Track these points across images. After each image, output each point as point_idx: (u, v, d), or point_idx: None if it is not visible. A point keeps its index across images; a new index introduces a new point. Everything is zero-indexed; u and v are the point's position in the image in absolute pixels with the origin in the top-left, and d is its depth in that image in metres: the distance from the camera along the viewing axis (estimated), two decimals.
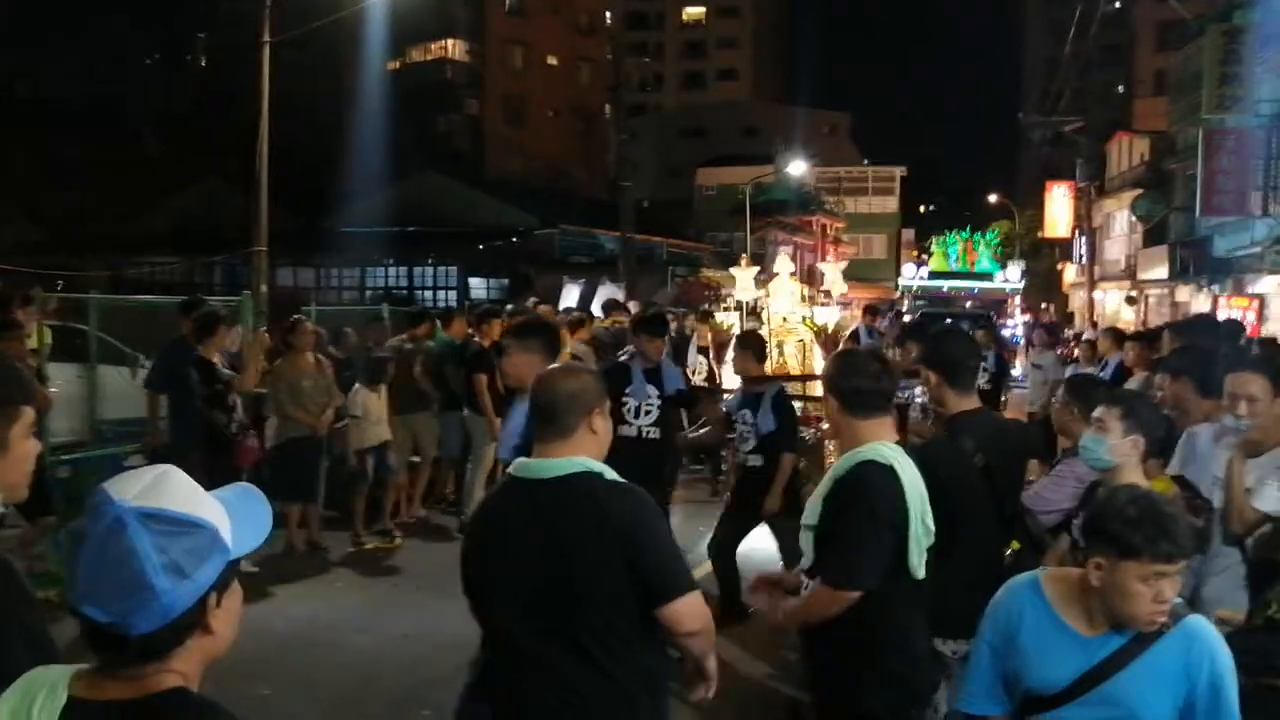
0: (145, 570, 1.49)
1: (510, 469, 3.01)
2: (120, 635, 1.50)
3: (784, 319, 11.37)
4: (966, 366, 4.37)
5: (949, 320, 21.73)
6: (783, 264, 10.84)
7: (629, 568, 2.77)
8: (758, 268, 11.14)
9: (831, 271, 11.41)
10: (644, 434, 7.07)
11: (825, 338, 11.14)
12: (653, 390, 7.07)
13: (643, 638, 2.85)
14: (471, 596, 3.02)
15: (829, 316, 11.84)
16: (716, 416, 8.15)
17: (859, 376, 3.57)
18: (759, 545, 7.28)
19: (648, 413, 7.06)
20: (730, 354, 11.26)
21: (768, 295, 10.74)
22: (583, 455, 2.90)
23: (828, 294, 12.01)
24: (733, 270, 11.18)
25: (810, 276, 52.63)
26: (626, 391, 6.97)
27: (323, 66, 40.37)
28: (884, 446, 3.50)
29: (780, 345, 10.86)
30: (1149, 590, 2.58)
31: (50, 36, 43.18)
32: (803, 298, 11.26)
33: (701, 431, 8.78)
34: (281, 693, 5.83)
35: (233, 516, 1.61)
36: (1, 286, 14.56)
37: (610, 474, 2.89)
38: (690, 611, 2.84)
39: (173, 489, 1.57)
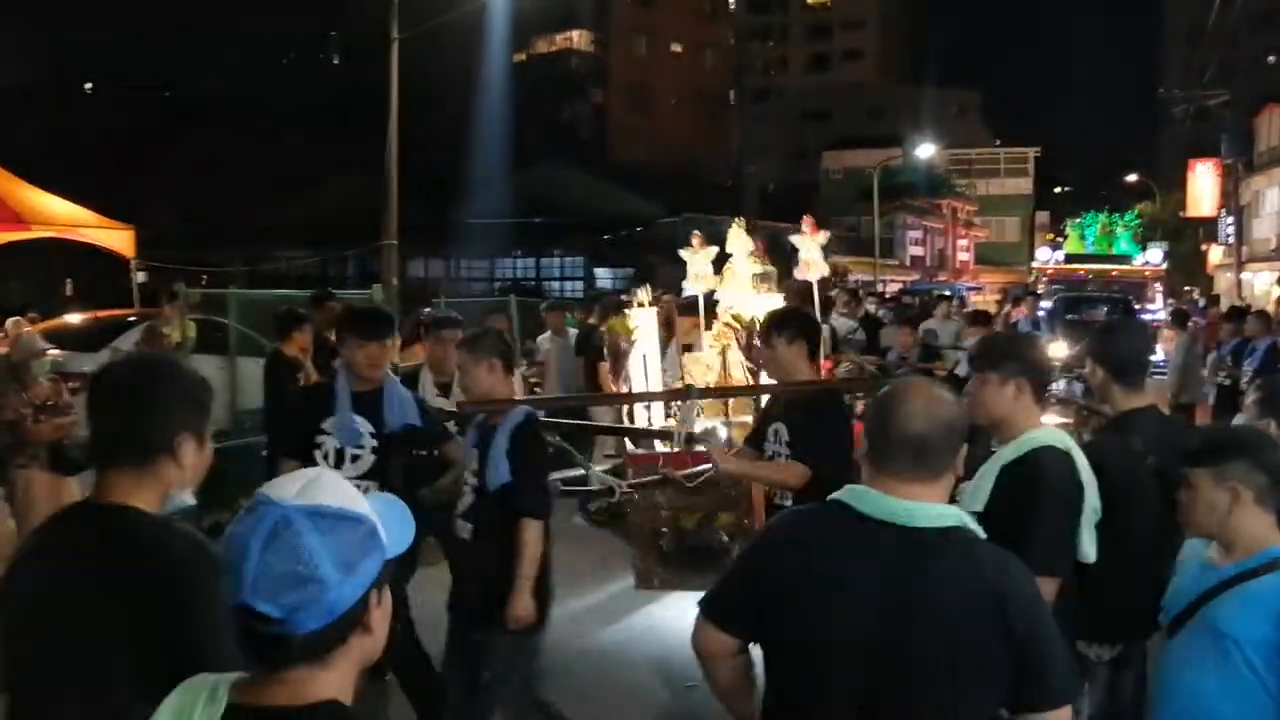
0: (316, 564, 1.51)
1: (847, 499, 2.37)
2: (284, 635, 1.52)
3: (732, 316, 8.12)
4: (1139, 363, 4.10)
5: (1082, 305, 21.10)
6: (737, 240, 8.13)
7: (1011, 656, 2.23)
8: (715, 248, 8.37)
9: (808, 248, 8.27)
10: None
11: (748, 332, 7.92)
12: (364, 425, 4.73)
13: None
14: (779, 653, 2.40)
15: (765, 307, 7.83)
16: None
17: (1046, 364, 3.58)
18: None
19: (355, 459, 4.71)
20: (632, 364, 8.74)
21: (721, 283, 8.27)
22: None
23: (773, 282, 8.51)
24: (682, 253, 8.52)
25: (941, 260, 51.88)
26: (323, 426, 4.72)
27: (451, 60, 41.08)
28: (1056, 431, 3.47)
29: (724, 352, 8.07)
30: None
31: (191, 39, 44.89)
32: (770, 287, 8.45)
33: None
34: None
35: (380, 519, 1.63)
36: (153, 281, 15.28)
37: (981, 531, 2.37)
38: None
39: (329, 488, 1.59)
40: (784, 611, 2.35)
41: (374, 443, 4.72)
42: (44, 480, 6.69)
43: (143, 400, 2.27)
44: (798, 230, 8.63)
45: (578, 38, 59.65)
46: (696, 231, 8.92)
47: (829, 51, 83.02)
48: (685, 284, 8.63)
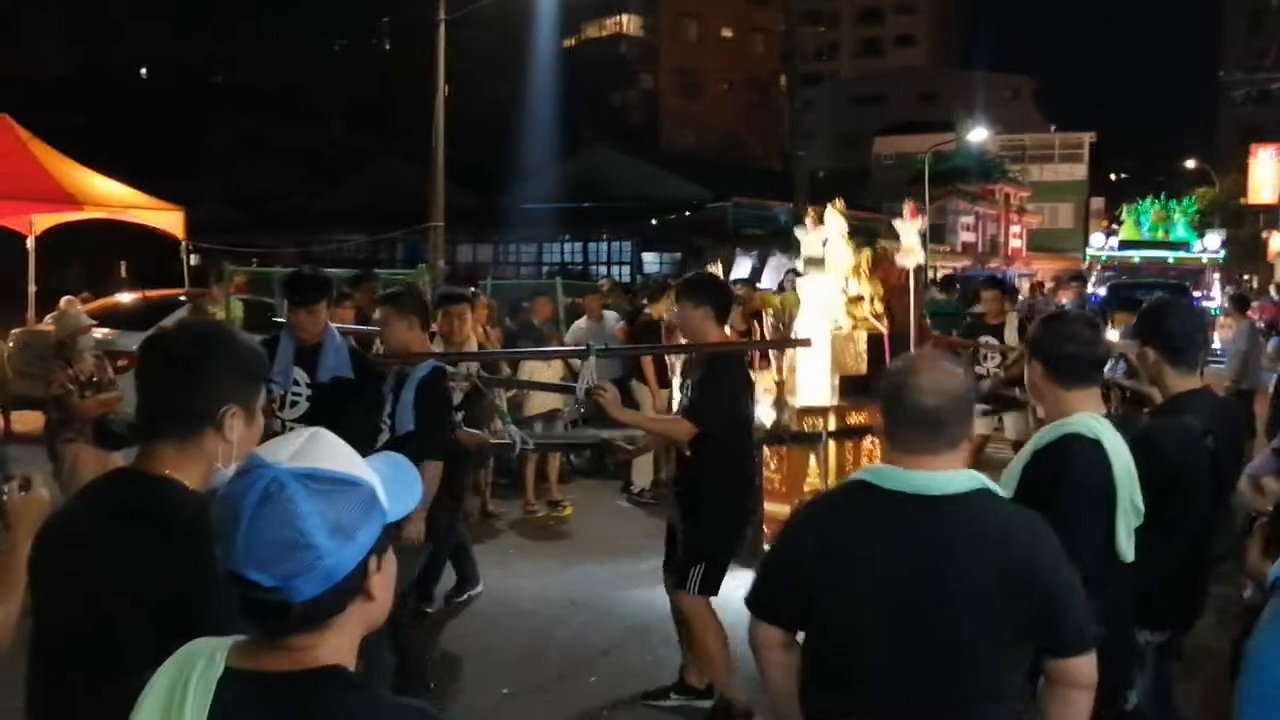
0: (309, 530, 1.44)
1: (868, 477, 2.51)
2: (282, 603, 1.45)
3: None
4: (1192, 343, 3.89)
5: (1137, 291, 20.68)
6: (833, 223, 7.63)
7: (1037, 608, 2.37)
8: (823, 226, 7.90)
9: (908, 233, 7.81)
10: (289, 430, 5.03)
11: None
12: (301, 375, 5.29)
13: (1022, 692, 2.47)
14: (820, 632, 2.53)
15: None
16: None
17: (1072, 341, 3.30)
18: None
19: (294, 404, 5.28)
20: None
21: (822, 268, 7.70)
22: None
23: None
24: (797, 230, 8.12)
25: (993, 246, 51.21)
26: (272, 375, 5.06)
27: (500, 45, 41.16)
28: (1091, 419, 3.22)
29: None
30: None
31: (242, 25, 45.35)
32: (863, 273, 7.84)
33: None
34: (453, 657, 5.95)
35: (383, 481, 1.56)
36: (205, 263, 15.47)
37: (1002, 492, 2.51)
38: (1091, 668, 2.46)
39: (325, 449, 1.52)
40: (822, 595, 2.45)
41: (309, 391, 5.25)
42: (90, 454, 6.74)
43: (188, 369, 2.14)
44: (852, 214, 8.50)
45: (627, 22, 59.50)
46: (812, 209, 8.64)
47: (880, 36, 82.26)
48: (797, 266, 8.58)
